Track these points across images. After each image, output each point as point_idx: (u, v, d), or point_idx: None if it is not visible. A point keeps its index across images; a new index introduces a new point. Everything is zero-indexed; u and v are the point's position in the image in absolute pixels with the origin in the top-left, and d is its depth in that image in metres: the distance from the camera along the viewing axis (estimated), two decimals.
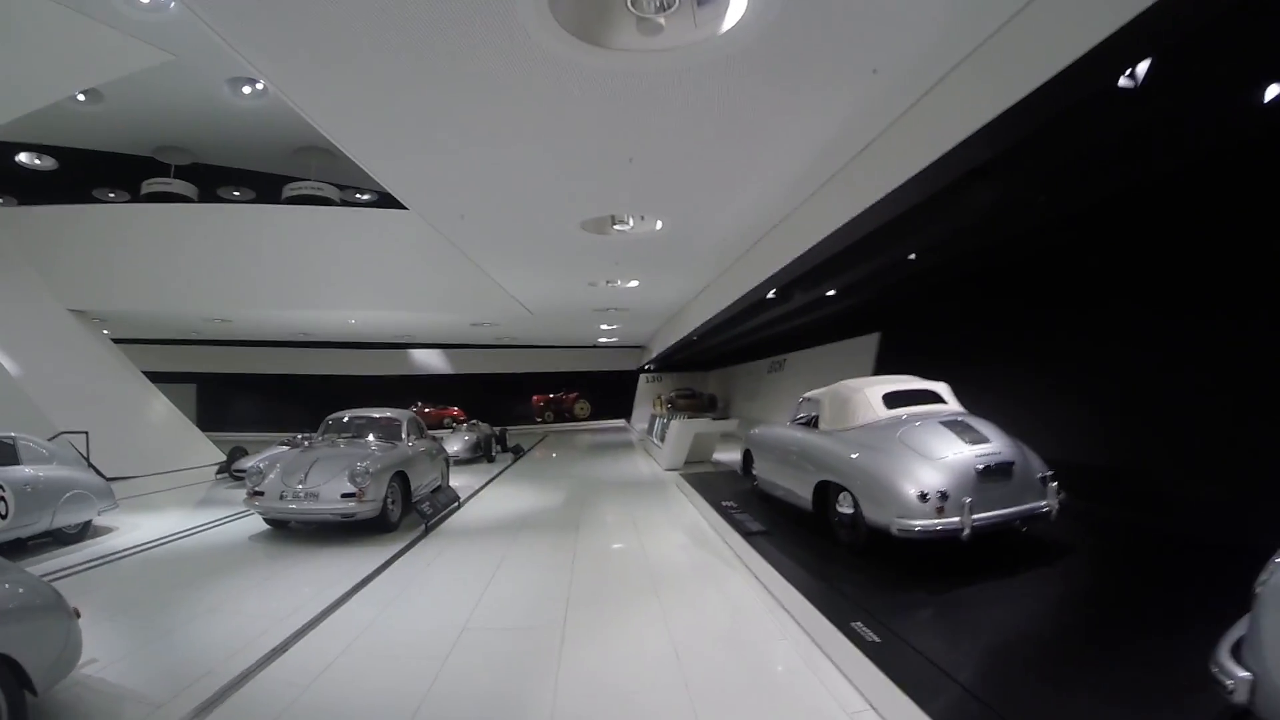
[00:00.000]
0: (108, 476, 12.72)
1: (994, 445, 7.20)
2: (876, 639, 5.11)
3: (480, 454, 22.29)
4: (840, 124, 7.41)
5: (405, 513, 11.65)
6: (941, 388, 8.75)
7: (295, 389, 33.98)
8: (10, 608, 4.40)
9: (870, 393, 8.54)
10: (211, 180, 21.88)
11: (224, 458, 18.94)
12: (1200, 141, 6.63)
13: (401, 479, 11.62)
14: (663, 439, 19.23)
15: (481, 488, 16.23)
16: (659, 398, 31.69)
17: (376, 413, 13.47)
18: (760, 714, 4.81)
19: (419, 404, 32.08)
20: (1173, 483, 8.02)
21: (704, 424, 18.85)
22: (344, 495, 10.38)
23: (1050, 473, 7.27)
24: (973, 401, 8.66)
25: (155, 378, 22.11)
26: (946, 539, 6.59)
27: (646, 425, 25.48)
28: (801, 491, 9.03)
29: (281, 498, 10.61)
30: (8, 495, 9.48)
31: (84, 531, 10.99)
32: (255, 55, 6.45)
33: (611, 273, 15.85)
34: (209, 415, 31.61)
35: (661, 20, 5.34)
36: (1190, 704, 3.90)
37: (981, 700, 4.18)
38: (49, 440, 11.57)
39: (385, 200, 16.86)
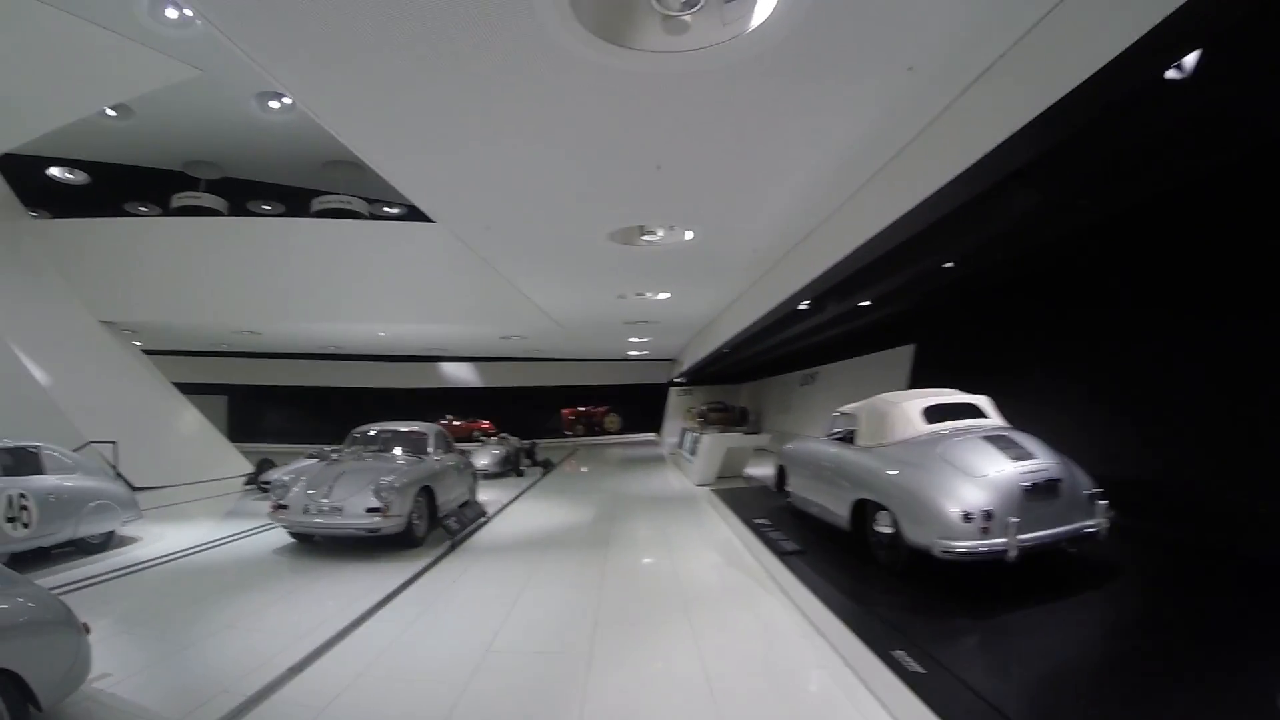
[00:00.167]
0: (136, 486, 12.79)
1: (1040, 461, 6.85)
2: (920, 669, 4.78)
3: (509, 468, 22.08)
4: (874, 125, 7.15)
5: (431, 528, 11.44)
6: (983, 401, 8.40)
7: (326, 401, 34.04)
8: (16, 622, 4.38)
9: (909, 406, 8.22)
10: (241, 194, 21.97)
11: (252, 469, 18.90)
12: (1257, 133, 6.21)
13: (427, 494, 11.44)
14: (694, 453, 18.94)
15: (510, 502, 16.01)
16: (690, 411, 31.33)
17: (403, 426, 13.34)
18: None
19: (448, 417, 31.98)
20: (1232, 499, 7.58)
21: (736, 438, 18.55)
22: (368, 510, 10.21)
23: (1099, 490, 6.88)
24: (1014, 415, 8.30)
25: (187, 389, 22.29)
26: (991, 561, 6.25)
27: (677, 439, 25.19)
28: (838, 509, 8.71)
29: (306, 511, 10.49)
30: (31, 504, 9.52)
31: (107, 541, 10.96)
32: (277, 69, 6.37)
33: (641, 285, 15.65)
34: (240, 427, 31.83)
35: (688, 18, 5.15)
36: None
37: None
38: (76, 450, 11.63)
39: (413, 214, 16.80)
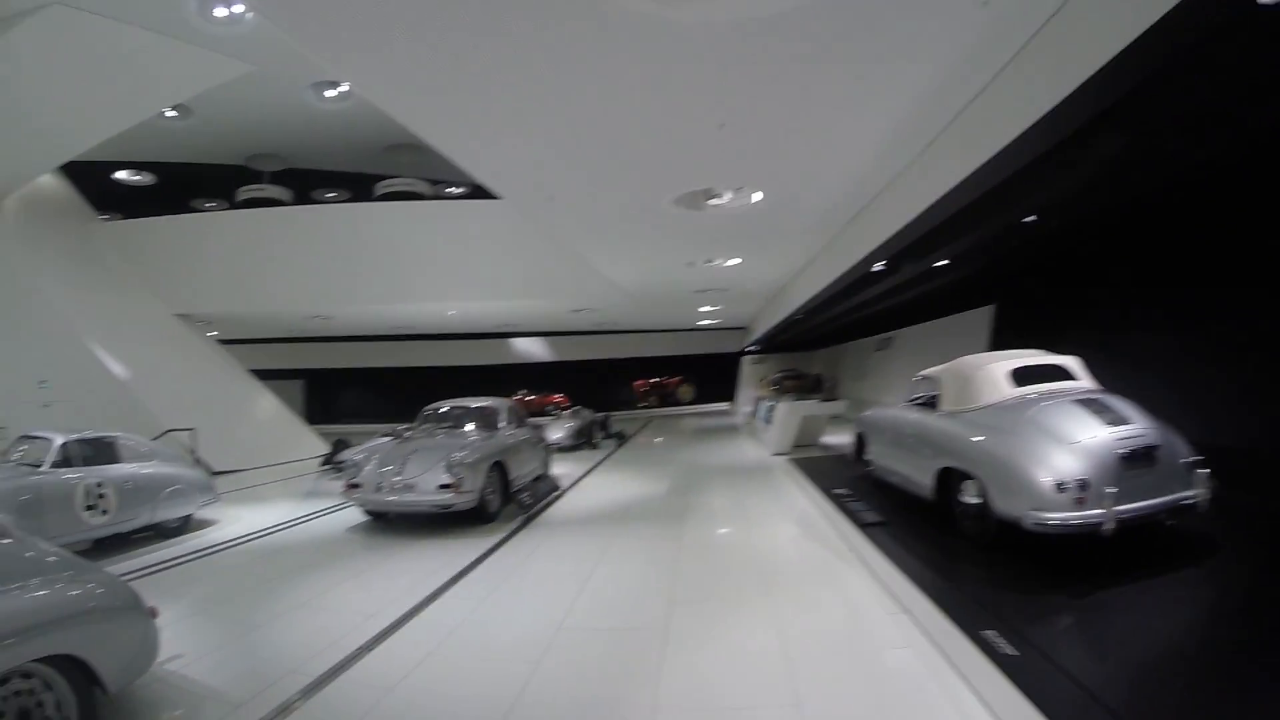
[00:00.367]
0: (215, 471, 13.09)
1: (1136, 426, 6.41)
2: (1013, 652, 4.46)
3: (583, 441, 22.05)
4: (948, 69, 6.73)
5: (505, 503, 11.41)
6: (1072, 362, 7.92)
7: (400, 381, 34.53)
8: (83, 609, 4.44)
9: (995, 369, 7.81)
10: (305, 184, 22.43)
11: (329, 450, 19.21)
12: None
13: (500, 469, 11.38)
14: (769, 422, 18.61)
15: (583, 475, 15.94)
16: (763, 379, 30.89)
17: (474, 402, 13.29)
18: None
19: (523, 392, 32.14)
20: None
21: (812, 406, 18.15)
22: (441, 486, 10.20)
23: (1198, 458, 6.39)
24: (1103, 378, 7.81)
25: (265, 375, 23.00)
26: (1085, 534, 5.88)
27: (751, 408, 24.87)
28: (921, 478, 8.34)
29: (378, 489, 10.56)
30: (110, 492, 9.84)
31: (185, 525, 11.23)
32: (332, 57, 6.31)
33: (709, 251, 15.32)
34: (317, 409, 32.96)
35: None
36: None
37: None
38: (155, 438, 12.04)
39: (477, 192, 16.85)
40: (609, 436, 24.18)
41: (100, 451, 10.25)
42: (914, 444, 8.78)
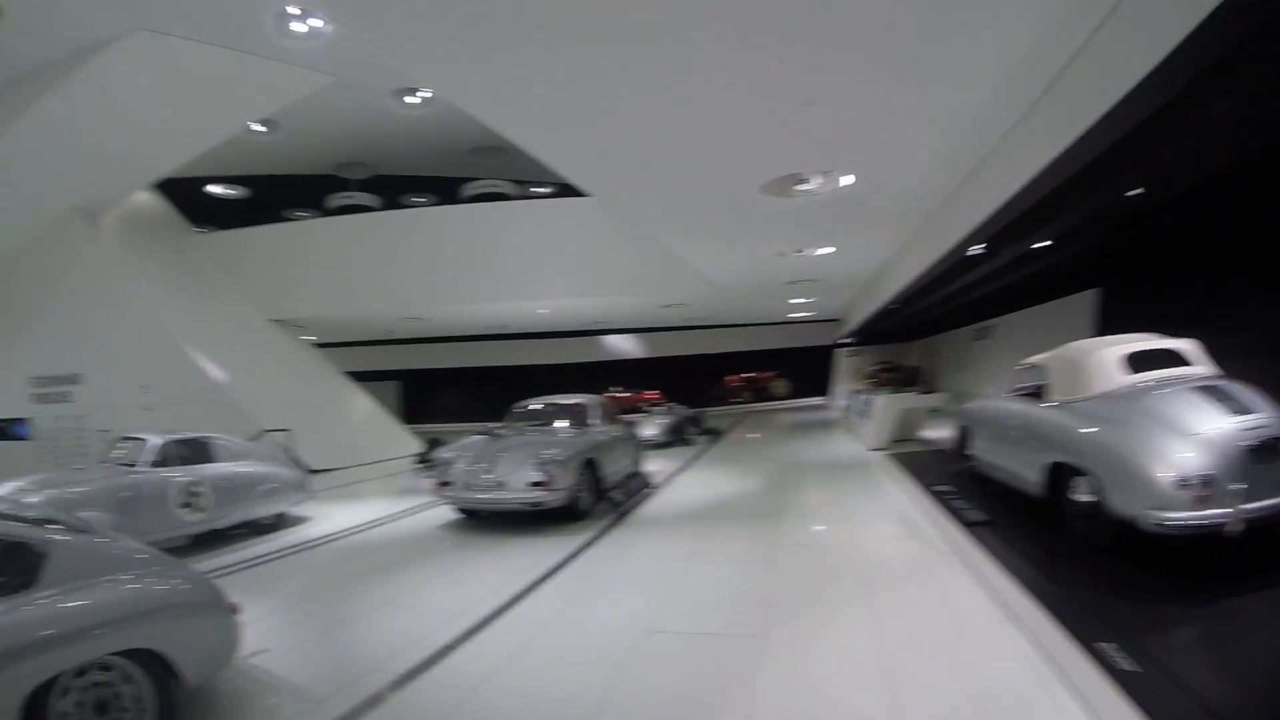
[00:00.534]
0: (313, 469, 13.55)
1: (1262, 416, 5.91)
2: (1133, 668, 4.08)
3: (676, 437, 21.87)
4: (1044, 28, 6.29)
5: (596, 501, 11.32)
6: (1189, 346, 7.39)
7: (494, 380, 35.01)
8: (165, 605, 4.63)
9: (1107, 354, 7.35)
10: (393, 189, 22.85)
11: (422, 449, 19.51)
12: None
13: (591, 466, 11.28)
14: (865, 416, 18.15)
15: (676, 473, 15.77)
16: (859, 372, 30.27)
17: (564, 399, 13.29)
18: None
19: (617, 388, 32.15)
20: None
21: (910, 399, 17.69)
22: (531, 484, 10.17)
23: None
24: (1220, 365, 7.26)
25: (363, 376, 23.76)
26: (1209, 534, 5.43)
27: (847, 402, 24.36)
28: (1028, 474, 7.90)
29: (470, 487, 10.61)
30: (204, 490, 10.24)
31: (278, 522, 11.61)
32: (415, 64, 6.34)
33: (799, 240, 14.95)
34: (413, 409, 33.88)
35: None
36: None
37: None
38: (252, 438, 12.59)
39: (564, 191, 16.96)
40: (703, 433, 24.00)
41: (196, 452, 10.66)
42: (1020, 437, 8.33)
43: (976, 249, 11.80)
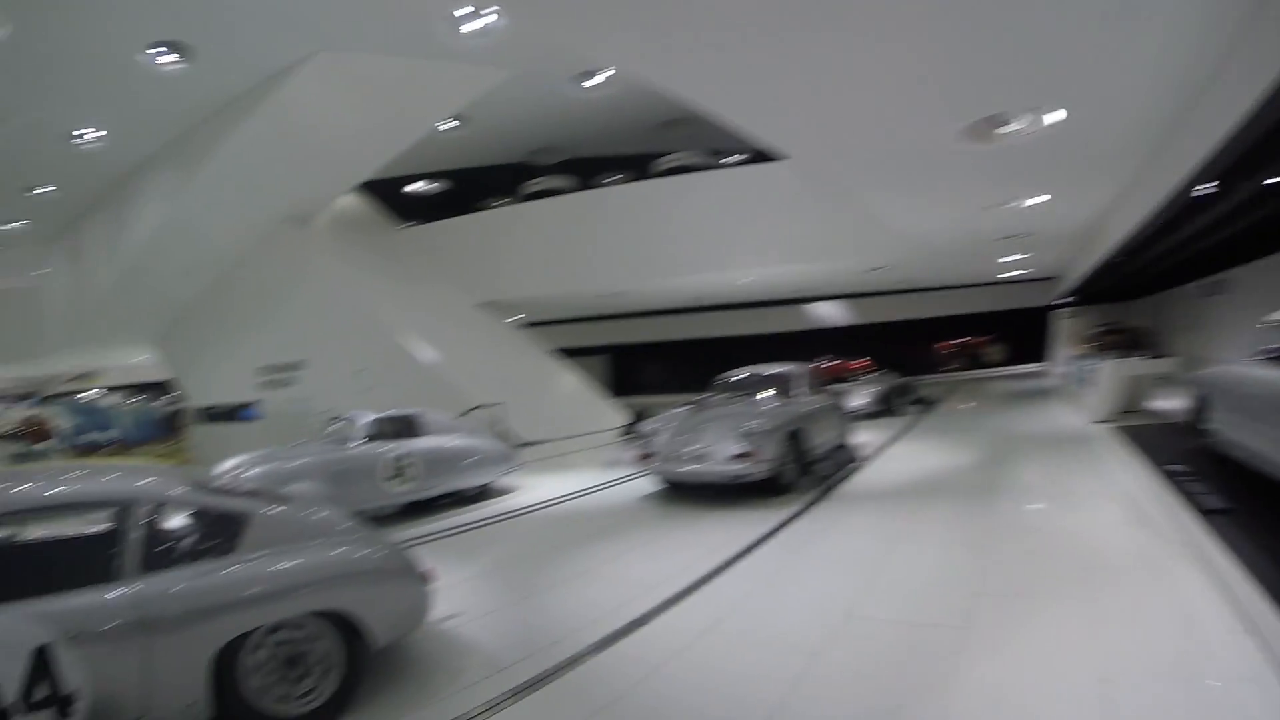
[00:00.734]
0: (522, 442, 14.61)
1: None
2: None
3: (885, 408, 21.33)
4: None
5: (800, 474, 11.16)
6: None
7: (698, 352, 35.12)
8: (357, 571, 5.09)
9: None
10: (587, 171, 23.36)
11: (628, 421, 20.02)
12: None
13: (795, 438, 11.11)
14: (1086, 385, 16.97)
15: (885, 445, 15.33)
16: (1079, 336, 28.35)
17: (769, 369, 13.17)
18: None
19: (826, 356, 31.56)
20: None
21: (1137, 364, 16.25)
22: (734, 456, 10.20)
23: None
24: None
25: (573, 352, 25.45)
26: None
27: (1066, 369, 22.89)
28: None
29: (672, 459, 10.82)
30: (416, 463, 11.04)
31: (483, 493, 12.29)
32: (597, 49, 6.37)
33: (1005, 190, 14.09)
34: (621, 382, 35.29)
35: None
36: None
37: None
38: (463, 414, 13.52)
39: (758, 158, 17.07)
40: (913, 402, 23.26)
41: (405, 427, 11.50)
42: (1270, 410, 7.24)
43: (1206, 188, 10.57)
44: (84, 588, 4.06)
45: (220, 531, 4.67)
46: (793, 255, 21.00)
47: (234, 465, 10.18)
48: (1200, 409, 9.84)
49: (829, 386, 14.96)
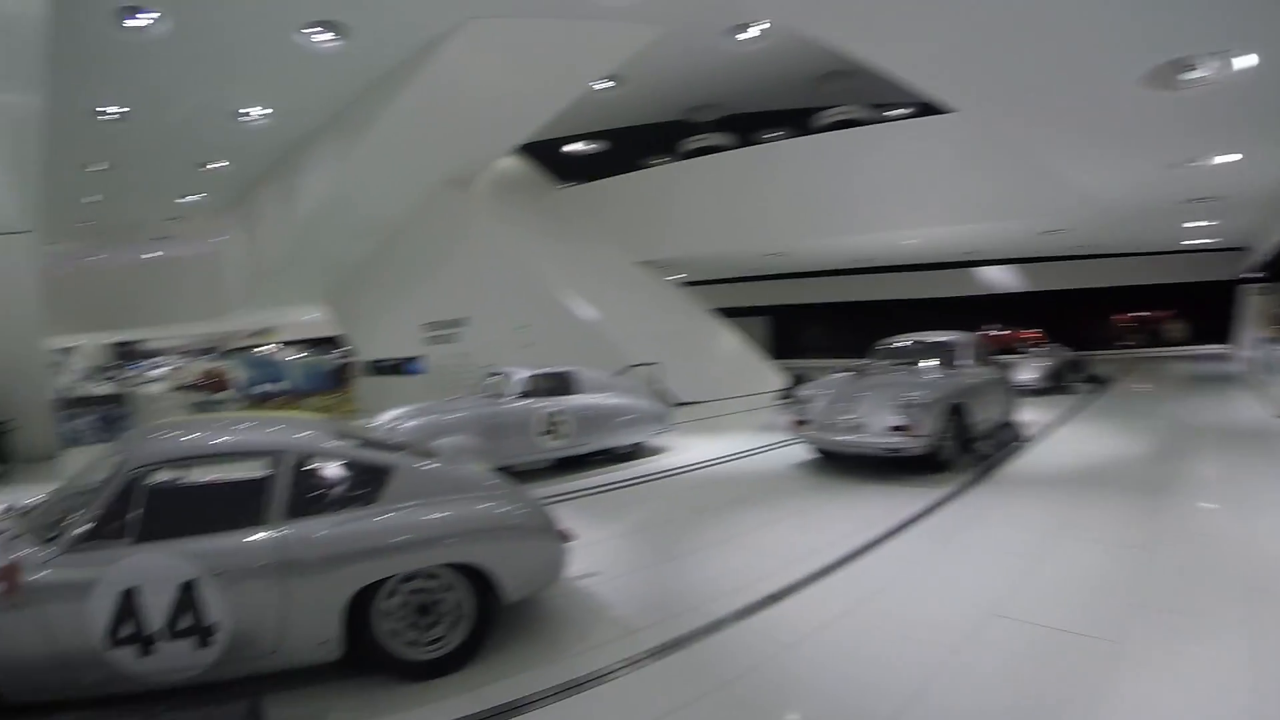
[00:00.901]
0: (679, 402, 14.82)
1: None
2: None
3: (1055, 384, 20.06)
4: None
5: (960, 452, 10.66)
6: None
7: (861, 315, 34.54)
8: (494, 526, 5.20)
9: None
10: (744, 127, 23.12)
11: (786, 384, 19.87)
12: None
13: (957, 412, 10.56)
14: (1275, 373, 15.56)
15: (1053, 425, 14.40)
16: (1269, 316, 25.84)
17: (932, 337, 12.60)
18: None
19: (994, 325, 30.16)
20: None
21: None
22: (891, 428, 9.84)
23: None
24: None
25: (733, 313, 25.71)
26: None
27: (1252, 352, 21.05)
28: None
29: (827, 427, 10.56)
30: (569, 420, 11.22)
31: (635, 451, 12.38)
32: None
33: (1191, 145, 12.87)
34: (781, 344, 35.51)
35: None
36: None
37: None
38: (619, 373, 13.67)
39: (925, 110, 16.47)
40: (1086, 380, 21.88)
41: (560, 384, 11.65)
42: None
43: None
44: (234, 530, 4.40)
45: (365, 483, 4.90)
46: (961, 215, 20.08)
47: (393, 417, 10.64)
48: None
49: (996, 358, 14.17)
